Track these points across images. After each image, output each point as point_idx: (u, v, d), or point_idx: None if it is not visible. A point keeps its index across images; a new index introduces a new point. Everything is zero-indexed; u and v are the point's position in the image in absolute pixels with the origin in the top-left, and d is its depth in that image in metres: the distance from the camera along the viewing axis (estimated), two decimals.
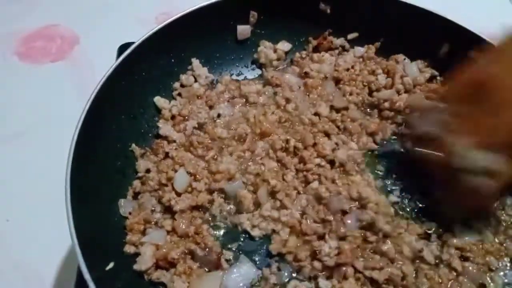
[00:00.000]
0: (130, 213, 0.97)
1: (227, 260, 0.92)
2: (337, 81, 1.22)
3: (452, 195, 0.87)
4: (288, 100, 1.15)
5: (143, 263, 0.89)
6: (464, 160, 0.80)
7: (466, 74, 0.88)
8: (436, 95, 0.93)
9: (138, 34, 1.09)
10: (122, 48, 1.25)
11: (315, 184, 0.99)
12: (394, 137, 1.13)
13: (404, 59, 1.22)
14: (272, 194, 0.99)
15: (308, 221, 0.94)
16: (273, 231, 0.96)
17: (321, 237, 0.91)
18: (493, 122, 0.80)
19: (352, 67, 1.23)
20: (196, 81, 1.21)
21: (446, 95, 0.90)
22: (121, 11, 1.67)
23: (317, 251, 0.89)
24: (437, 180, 0.91)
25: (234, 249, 0.95)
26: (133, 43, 1.07)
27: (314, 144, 1.06)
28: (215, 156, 1.05)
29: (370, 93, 1.19)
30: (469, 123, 0.82)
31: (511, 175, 0.81)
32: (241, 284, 0.89)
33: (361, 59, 1.26)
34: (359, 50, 1.27)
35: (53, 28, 1.61)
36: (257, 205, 0.99)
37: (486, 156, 0.78)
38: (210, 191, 1.00)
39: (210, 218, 0.99)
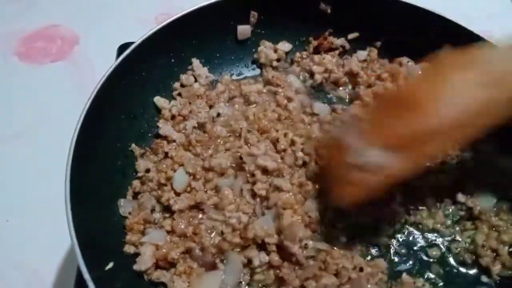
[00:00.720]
0: (130, 213, 0.97)
1: (222, 261, 0.91)
2: None
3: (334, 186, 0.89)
4: (289, 99, 1.14)
5: (143, 263, 0.89)
6: (355, 155, 0.83)
7: (390, 91, 0.97)
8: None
9: (138, 34, 1.08)
10: (122, 48, 1.25)
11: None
12: None
13: (408, 61, 1.21)
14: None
15: None
16: None
17: None
18: (393, 125, 0.82)
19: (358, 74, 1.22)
20: (196, 81, 1.21)
21: (368, 108, 0.94)
22: (121, 11, 1.67)
23: None
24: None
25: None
26: (133, 43, 1.07)
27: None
28: (212, 155, 1.05)
29: None
30: (374, 127, 0.86)
31: (396, 173, 0.83)
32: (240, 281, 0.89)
33: (365, 63, 1.25)
34: (362, 53, 1.26)
35: (53, 29, 1.61)
36: None
37: (374, 152, 0.81)
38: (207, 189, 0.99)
39: (207, 218, 0.97)
